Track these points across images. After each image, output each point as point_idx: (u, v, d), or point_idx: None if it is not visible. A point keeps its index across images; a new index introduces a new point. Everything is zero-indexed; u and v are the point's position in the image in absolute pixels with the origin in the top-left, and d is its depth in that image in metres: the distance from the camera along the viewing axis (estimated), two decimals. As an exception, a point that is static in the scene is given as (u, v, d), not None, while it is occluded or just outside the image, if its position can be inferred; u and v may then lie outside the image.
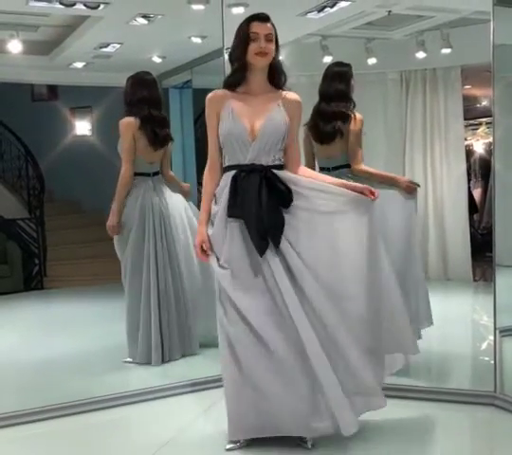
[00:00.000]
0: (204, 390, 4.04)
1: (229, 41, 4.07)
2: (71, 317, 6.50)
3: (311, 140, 4.29)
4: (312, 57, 6.18)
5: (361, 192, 3.21)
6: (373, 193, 3.20)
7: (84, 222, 8.84)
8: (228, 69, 4.10)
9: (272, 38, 3.19)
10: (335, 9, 4.68)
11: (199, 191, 5.15)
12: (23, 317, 6.77)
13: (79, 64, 6.49)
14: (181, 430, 3.46)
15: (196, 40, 5.42)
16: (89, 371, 4.58)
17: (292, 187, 3.19)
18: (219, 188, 3.25)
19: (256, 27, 3.17)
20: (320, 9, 4.69)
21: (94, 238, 7.96)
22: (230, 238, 3.16)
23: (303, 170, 3.38)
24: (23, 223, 8.99)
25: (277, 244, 3.11)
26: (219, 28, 4.05)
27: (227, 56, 4.11)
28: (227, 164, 3.26)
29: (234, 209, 3.15)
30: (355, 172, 4.18)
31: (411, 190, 4.14)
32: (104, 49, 5.88)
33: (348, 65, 4.35)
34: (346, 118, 4.20)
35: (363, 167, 4.18)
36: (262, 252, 3.10)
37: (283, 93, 3.32)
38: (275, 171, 3.20)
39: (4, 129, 9.52)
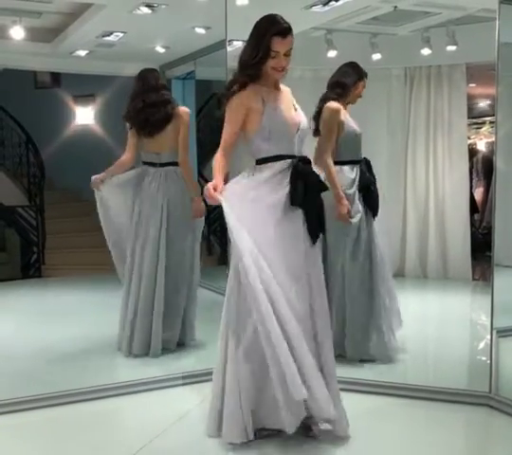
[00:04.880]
0: (198, 382, 4.02)
1: (233, 32, 4.05)
2: (68, 305, 6.49)
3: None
4: (316, 51, 6.14)
5: None
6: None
7: (84, 211, 8.74)
8: (230, 61, 4.08)
9: (291, 52, 3.18)
10: (340, 2, 4.65)
11: (199, 183, 5.14)
12: (20, 304, 6.75)
13: (82, 53, 6.47)
14: (173, 423, 3.45)
15: (200, 30, 5.39)
16: (85, 360, 4.58)
17: None
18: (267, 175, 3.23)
19: (278, 46, 3.13)
20: (326, 3, 4.65)
21: (93, 227, 7.86)
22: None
23: None
24: (22, 210, 8.98)
25: (324, 232, 3.38)
26: (223, 20, 4.01)
27: (230, 48, 4.10)
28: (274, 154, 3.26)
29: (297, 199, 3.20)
30: None
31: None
32: (107, 38, 5.85)
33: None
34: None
35: None
36: (315, 240, 3.24)
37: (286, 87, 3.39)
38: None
39: (5, 115, 9.49)
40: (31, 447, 3.26)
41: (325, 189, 3.36)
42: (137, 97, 4.60)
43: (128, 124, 4.65)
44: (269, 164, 3.24)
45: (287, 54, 3.16)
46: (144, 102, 4.58)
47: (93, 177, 4.75)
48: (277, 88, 3.31)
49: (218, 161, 3.27)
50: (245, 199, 3.16)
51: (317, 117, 4.33)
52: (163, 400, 3.87)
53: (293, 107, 3.32)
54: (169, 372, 4.14)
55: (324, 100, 4.36)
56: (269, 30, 3.12)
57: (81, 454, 3.19)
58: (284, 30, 3.13)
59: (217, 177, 3.19)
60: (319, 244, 3.30)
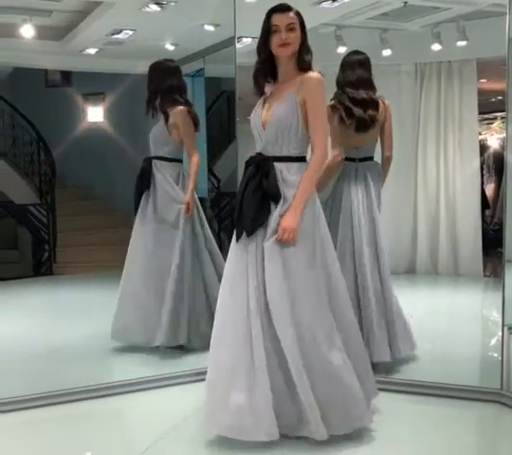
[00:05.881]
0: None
1: (242, 30, 4.06)
2: (80, 303, 6.52)
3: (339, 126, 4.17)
4: (326, 47, 6.13)
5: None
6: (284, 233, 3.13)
7: (95, 208, 8.84)
8: (239, 58, 4.09)
9: (295, 26, 3.18)
10: (349, -2, 4.65)
11: (209, 179, 5.15)
12: (31, 302, 6.78)
13: (91, 51, 6.47)
14: (180, 421, 3.47)
15: (209, 28, 5.39)
16: (97, 357, 4.61)
17: (283, 189, 3.17)
18: None
19: (276, 20, 3.17)
20: (335, -1, 4.66)
21: (105, 225, 7.97)
22: None
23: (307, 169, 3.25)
24: (34, 208, 9.00)
25: (248, 234, 3.13)
26: (232, 17, 4.02)
27: (239, 46, 4.11)
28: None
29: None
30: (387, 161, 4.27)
31: None
32: (117, 36, 5.85)
33: (365, 54, 4.34)
34: (377, 105, 4.21)
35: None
36: (237, 239, 3.18)
37: (303, 75, 3.21)
38: (279, 164, 3.19)
39: (17, 114, 9.52)
40: (33, 446, 3.27)
41: (270, 191, 3.15)
42: (174, 91, 4.63)
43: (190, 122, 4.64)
44: None
45: (290, 29, 3.17)
46: (184, 99, 4.66)
47: (187, 201, 4.55)
48: (286, 80, 3.25)
49: None
50: None
51: (374, 118, 4.19)
52: (173, 398, 3.88)
53: (280, 100, 3.22)
54: (179, 369, 4.15)
55: (375, 99, 4.22)
56: (268, 12, 3.21)
57: (86, 453, 3.21)
58: (282, 7, 3.20)
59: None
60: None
